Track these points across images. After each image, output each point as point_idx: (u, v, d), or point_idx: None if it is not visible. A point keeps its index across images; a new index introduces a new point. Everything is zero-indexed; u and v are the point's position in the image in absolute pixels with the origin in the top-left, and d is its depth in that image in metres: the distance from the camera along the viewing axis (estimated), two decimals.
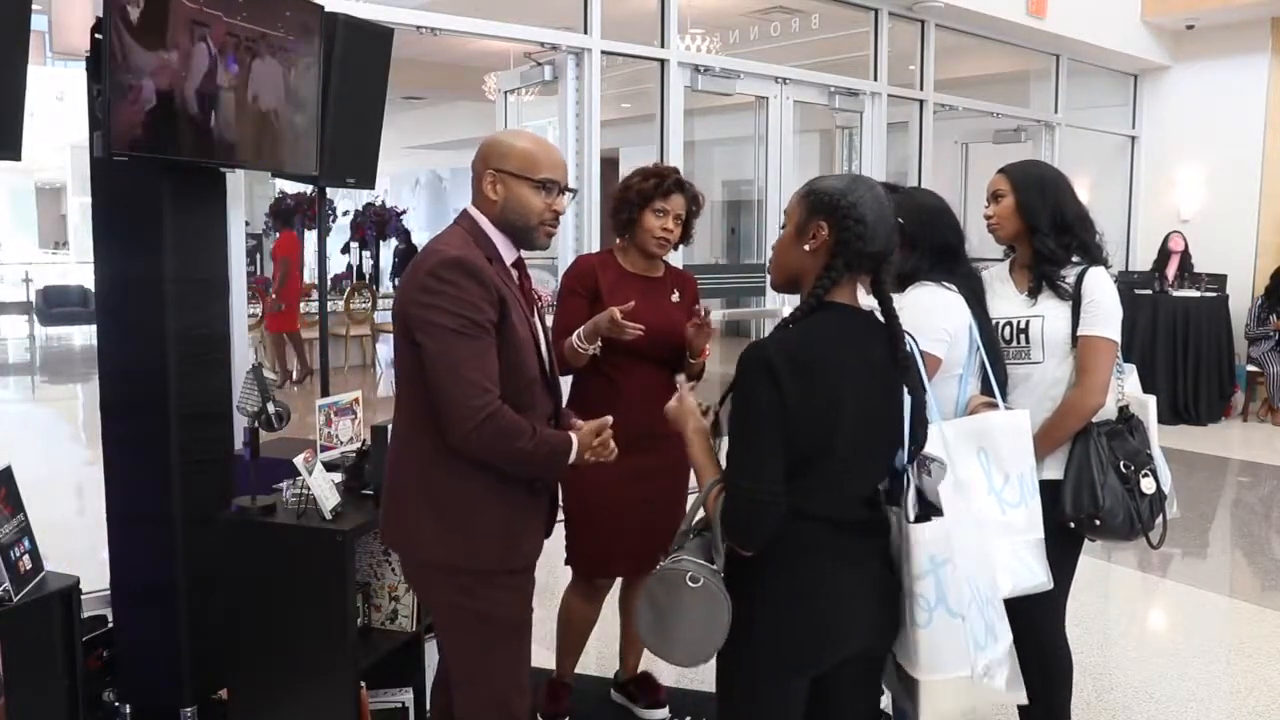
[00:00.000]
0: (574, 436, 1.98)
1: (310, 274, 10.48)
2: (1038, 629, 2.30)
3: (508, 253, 2.02)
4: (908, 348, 1.78)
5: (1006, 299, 2.47)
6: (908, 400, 1.77)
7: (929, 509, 1.78)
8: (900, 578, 1.79)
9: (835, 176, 1.81)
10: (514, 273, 2.03)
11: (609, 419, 2.06)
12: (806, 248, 1.75)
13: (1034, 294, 2.41)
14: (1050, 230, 2.38)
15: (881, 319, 1.79)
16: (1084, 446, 2.34)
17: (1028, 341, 2.40)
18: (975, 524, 1.96)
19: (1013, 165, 2.53)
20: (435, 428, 1.92)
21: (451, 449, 1.91)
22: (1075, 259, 2.40)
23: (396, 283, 12.65)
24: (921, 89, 6.97)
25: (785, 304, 5.59)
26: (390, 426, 2.49)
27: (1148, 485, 2.34)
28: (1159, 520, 2.40)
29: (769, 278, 1.88)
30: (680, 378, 2.02)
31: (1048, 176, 2.46)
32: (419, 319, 1.87)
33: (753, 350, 1.69)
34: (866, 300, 1.81)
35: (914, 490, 1.77)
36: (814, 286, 1.74)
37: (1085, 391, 2.34)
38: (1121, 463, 2.33)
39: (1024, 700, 1.93)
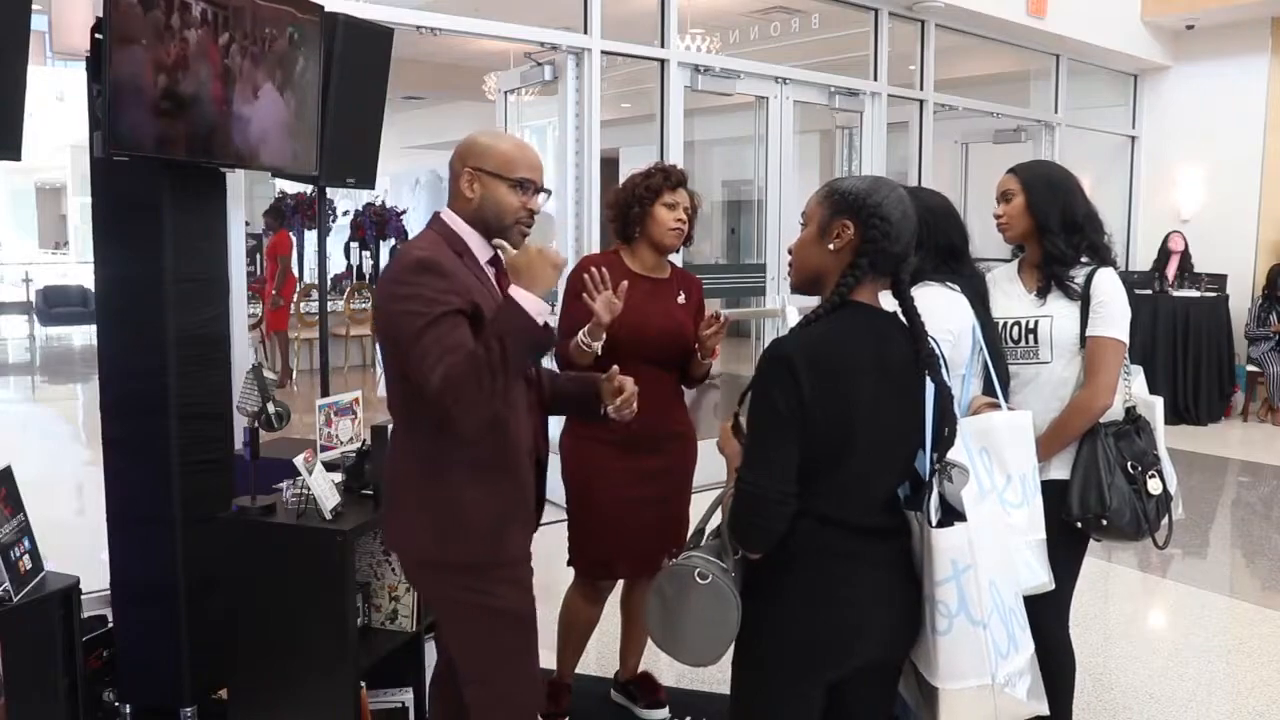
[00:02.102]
0: (514, 288, 1.89)
1: (310, 274, 10.51)
2: (1042, 629, 2.30)
3: (481, 251, 2.02)
4: (931, 346, 1.78)
5: (1015, 299, 2.47)
6: (930, 399, 1.76)
7: (952, 514, 1.77)
8: (921, 583, 1.78)
9: (856, 178, 1.81)
10: (489, 270, 2.04)
11: (633, 388, 2.16)
12: (831, 247, 1.75)
13: (1043, 294, 2.42)
14: (1060, 230, 2.39)
15: (903, 320, 1.78)
16: (1091, 447, 2.35)
17: (1036, 341, 2.41)
18: (998, 530, 1.94)
19: (1022, 165, 2.53)
20: (422, 426, 1.96)
21: (438, 438, 1.92)
22: (1084, 259, 2.41)
23: None
24: (921, 89, 6.97)
25: (786, 304, 5.58)
26: (389, 429, 2.50)
27: (1154, 486, 2.35)
28: (1165, 521, 2.40)
29: (790, 279, 1.87)
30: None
31: (1057, 176, 2.46)
32: (389, 322, 1.90)
33: (774, 348, 1.69)
34: (886, 302, 1.81)
35: (936, 495, 1.76)
36: (837, 286, 1.74)
37: (1093, 392, 2.34)
38: (1129, 463, 2.34)
39: (1045, 711, 1.90)
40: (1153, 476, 2.35)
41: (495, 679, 2.05)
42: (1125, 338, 2.37)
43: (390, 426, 2.14)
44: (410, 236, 14.70)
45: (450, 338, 1.83)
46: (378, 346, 9.95)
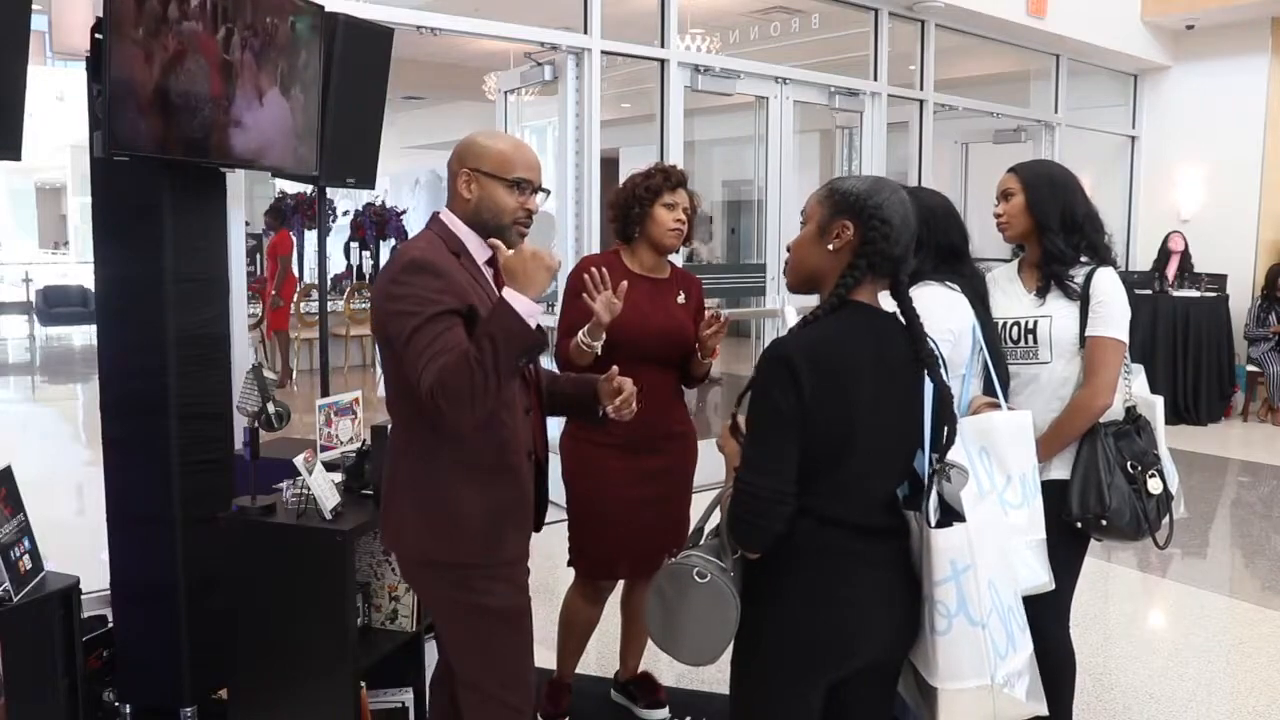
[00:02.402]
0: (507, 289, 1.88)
1: (310, 274, 10.52)
2: (1041, 629, 2.30)
3: (479, 251, 2.03)
4: (930, 346, 1.78)
5: (1015, 299, 2.47)
6: (929, 399, 1.76)
7: (951, 514, 1.77)
8: (920, 583, 1.78)
9: (857, 178, 1.81)
10: (486, 270, 2.05)
11: (632, 388, 2.15)
12: (830, 247, 1.74)
13: (1042, 294, 2.42)
14: (1060, 230, 2.39)
15: (902, 320, 1.78)
16: (1091, 447, 2.35)
17: (1035, 341, 2.41)
18: (997, 530, 1.94)
19: (1023, 164, 2.54)
20: (418, 425, 1.98)
21: (434, 438, 1.94)
22: (1083, 259, 2.41)
23: None
24: (921, 89, 6.97)
25: (786, 304, 5.58)
26: (389, 429, 2.50)
27: (1154, 486, 2.35)
28: (1165, 521, 2.40)
29: (786, 278, 1.87)
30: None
31: (1058, 176, 2.46)
32: (384, 322, 1.91)
33: (774, 348, 1.69)
34: (886, 303, 1.81)
35: (935, 495, 1.76)
36: (836, 286, 1.74)
37: (1093, 392, 2.34)
38: (1128, 463, 2.34)
39: (1044, 711, 1.90)
40: (1153, 476, 2.35)
41: (486, 679, 2.05)
42: (1125, 337, 2.37)
43: (389, 426, 2.14)
44: (410, 236, 14.77)
45: (443, 339, 1.83)
46: (377, 346, 9.96)
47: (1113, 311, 2.35)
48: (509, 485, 2.04)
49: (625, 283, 2.49)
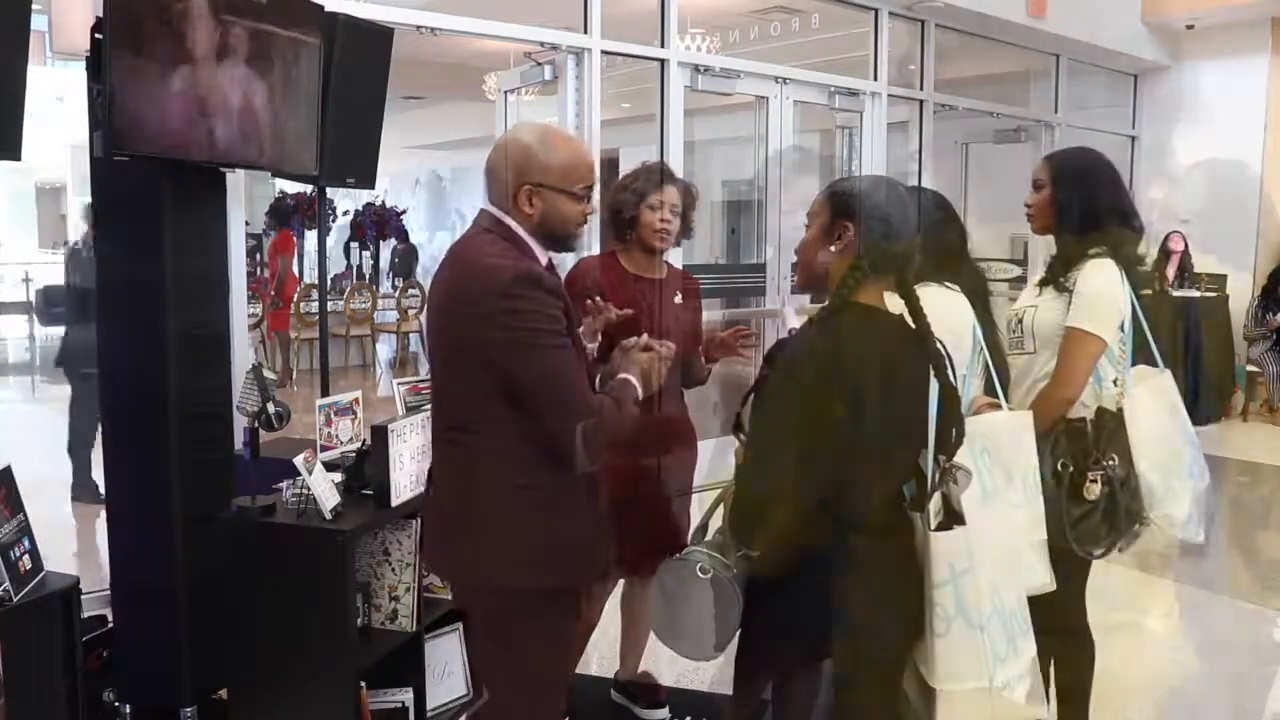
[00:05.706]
0: (629, 378, 1.99)
1: (310, 274, 10.51)
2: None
3: (542, 256, 1.98)
4: (937, 347, 1.78)
5: (1025, 292, 2.49)
6: (935, 399, 1.76)
7: (952, 517, 1.77)
8: (923, 581, 1.78)
9: (858, 178, 1.82)
10: None
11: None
12: (832, 249, 1.76)
13: (1043, 285, 2.42)
14: (1078, 228, 2.35)
15: (908, 320, 1.79)
16: (1041, 442, 2.28)
17: (1022, 332, 2.42)
18: (1001, 533, 1.94)
19: (1058, 154, 2.49)
20: (523, 449, 1.88)
21: (551, 460, 1.89)
22: (1093, 251, 2.35)
23: (397, 283, 12.66)
24: (921, 89, 6.97)
25: (785, 304, 5.58)
26: (389, 429, 2.50)
27: (1091, 491, 2.27)
28: (1113, 532, 2.34)
29: (794, 279, 1.89)
30: None
31: (1090, 167, 2.40)
32: (506, 339, 1.81)
33: (778, 350, 1.70)
34: (893, 304, 1.81)
35: (939, 496, 1.76)
36: (839, 288, 1.74)
37: (1055, 383, 2.32)
38: (1059, 461, 2.28)
39: (1044, 715, 1.91)
40: (1094, 481, 2.27)
41: (521, 702, 1.96)
42: (1100, 331, 2.31)
43: (391, 426, 2.13)
44: (410, 237, 14.54)
45: (581, 373, 1.88)
46: (378, 346, 9.76)
47: (1087, 302, 2.30)
48: (590, 493, 2.00)
49: (629, 311, 2.55)
